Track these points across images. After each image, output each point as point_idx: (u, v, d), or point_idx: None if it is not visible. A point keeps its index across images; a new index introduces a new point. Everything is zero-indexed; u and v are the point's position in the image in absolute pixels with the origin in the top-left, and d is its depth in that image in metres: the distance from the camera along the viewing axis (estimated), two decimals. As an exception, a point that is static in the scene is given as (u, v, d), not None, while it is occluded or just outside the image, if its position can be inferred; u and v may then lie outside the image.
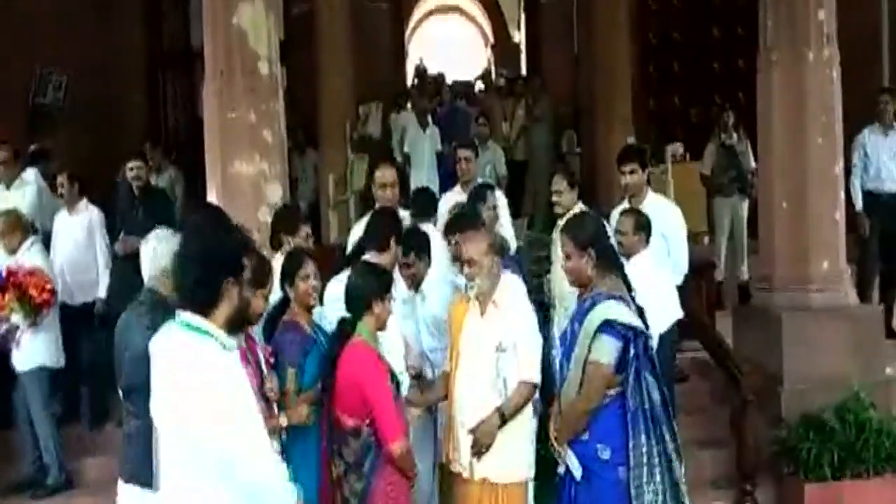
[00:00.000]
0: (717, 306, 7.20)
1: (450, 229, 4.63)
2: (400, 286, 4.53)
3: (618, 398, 3.53)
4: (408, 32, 18.47)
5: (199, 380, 2.48)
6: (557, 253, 5.22)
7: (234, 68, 5.14)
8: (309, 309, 3.89)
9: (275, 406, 3.58)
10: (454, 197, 6.12)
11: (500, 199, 6.01)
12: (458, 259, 4.69)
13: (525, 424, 3.93)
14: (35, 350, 5.60)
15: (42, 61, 8.96)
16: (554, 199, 5.36)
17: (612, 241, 4.10)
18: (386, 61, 13.08)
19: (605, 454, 3.54)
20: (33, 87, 8.91)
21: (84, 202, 6.33)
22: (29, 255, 5.70)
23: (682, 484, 3.60)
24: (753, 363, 5.51)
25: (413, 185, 8.36)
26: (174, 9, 11.05)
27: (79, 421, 6.19)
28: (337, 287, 4.00)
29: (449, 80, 12.97)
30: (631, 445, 3.49)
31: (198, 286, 2.56)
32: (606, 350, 3.48)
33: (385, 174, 5.11)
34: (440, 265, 4.69)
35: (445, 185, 7.61)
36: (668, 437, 3.55)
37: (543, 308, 5.07)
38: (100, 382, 6.10)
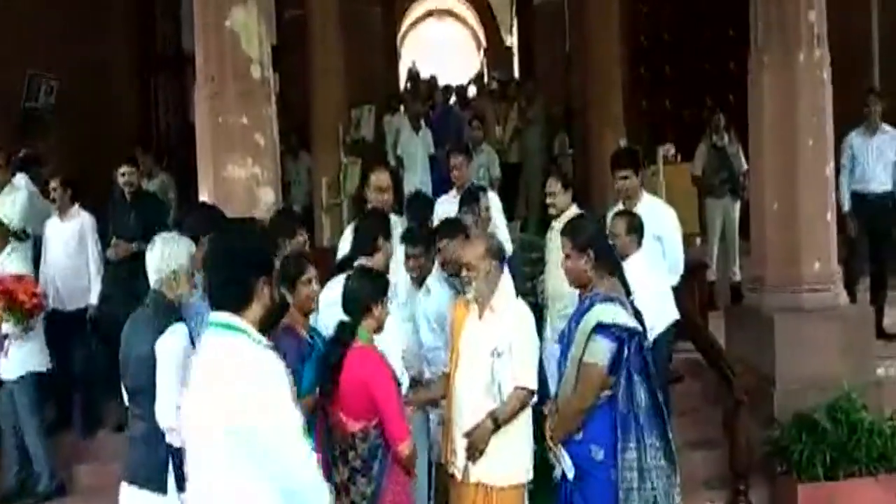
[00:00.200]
0: (710, 307, 7.21)
1: (438, 234, 4.70)
2: (399, 288, 4.56)
3: (612, 400, 3.57)
4: (400, 36, 18.50)
5: (247, 377, 2.49)
6: (552, 254, 5.26)
7: (225, 72, 5.14)
8: (307, 314, 3.90)
9: None
10: (449, 201, 6.13)
11: (494, 201, 6.03)
12: (446, 263, 4.75)
13: (521, 429, 3.94)
14: (22, 357, 5.59)
15: (33, 65, 8.93)
16: (548, 200, 5.38)
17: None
18: (378, 65, 13.12)
19: (599, 455, 3.57)
20: (24, 91, 8.87)
21: (76, 208, 6.28)
22: (9, 262, 5.69)
23: (676, 493, 3.62)
24: (746, 364, 5.53)
25: (406, 189, 8.42)
26: (166, 13, 11.07)
27: (71, 428, 6.17)
28: (330, 293, 4.00)
29: (442, 84, 13.00)
30: (619, 448, 3.52)
31: (230, 286, 2.58)
32: (601, 351, 3.52)
33: (380, 178, 5.13)
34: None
35: (439, 189, 7.62)
36: (657, 442, 3.57)
37: (536, 310, 5.08)
38: (92, 389, 6.13)
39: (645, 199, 5.41)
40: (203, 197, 5.15)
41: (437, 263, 4.72)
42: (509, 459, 3.89)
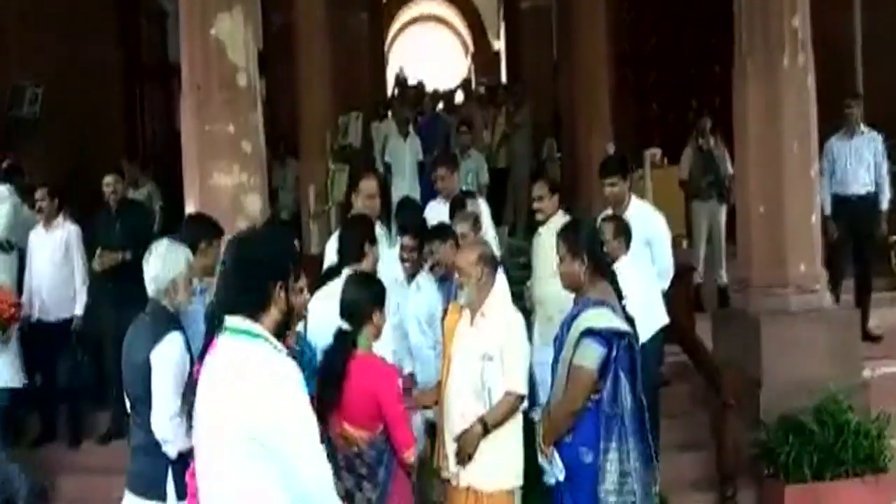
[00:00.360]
0: (696, 309, 7.24)
1: (427, 238, 4.73)
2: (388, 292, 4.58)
3: (599, 402, 3.61)
4: (388, 42, 18.53)
5: (268, 383, 2.48)
6: (538, 259, 5.29)
7: (211, 80, 5.14)
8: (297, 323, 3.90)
9: None
10: (437, 207, 6.15)
11: (483, 206, 6.06)
12: (436, 266, 4.78)
13: (511, 434, 3.96)
14: None
15: (17, 74, 8.90)
16: (535, 205, 5.39)
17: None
18: (366, 71, 13.12)
19: (588, 457, 3.61)
20: (8, 100, 8.84)
21: (61, 218, 6.24)
22: None
23: (654, 494, 3.67)
24: (732, 366, 5.56)
25: (395, 194, 8.42)
26: (152, 21, 11.05)
27: (56, 440, 6.11)
28: (318, 302, 3.99)
29: (429, 89, 13.01)
30: (602, 449, 3.57)
31: (247, 291, 2.56)
32: (590, 354, 3.57)
33: (370, 184, 5.13)
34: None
35: (427, 195, 7.62)
36: (639, 445, 3.60)
37: (525, 314, 5.10)
38: (78, 400, 6.09)
39: (634, 204, 5.43)
40: (189, 205, 5.13)
41: (426, 266, 4.76)
42: (499, 464, 3.90)
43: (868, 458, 5.20)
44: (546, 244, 5.17)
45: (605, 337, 3.57)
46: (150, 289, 3.60)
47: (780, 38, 5.80)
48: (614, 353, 3.57)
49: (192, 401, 3.28)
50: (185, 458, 3.45)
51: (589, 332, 3.58)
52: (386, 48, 17.77)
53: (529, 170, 10.29)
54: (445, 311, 4.36)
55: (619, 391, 3.58)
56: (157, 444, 3.47)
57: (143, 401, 3.49)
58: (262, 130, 5.35)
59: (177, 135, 5.50)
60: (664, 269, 5.38)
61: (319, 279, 4.37)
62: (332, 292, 3.92)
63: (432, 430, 4.34)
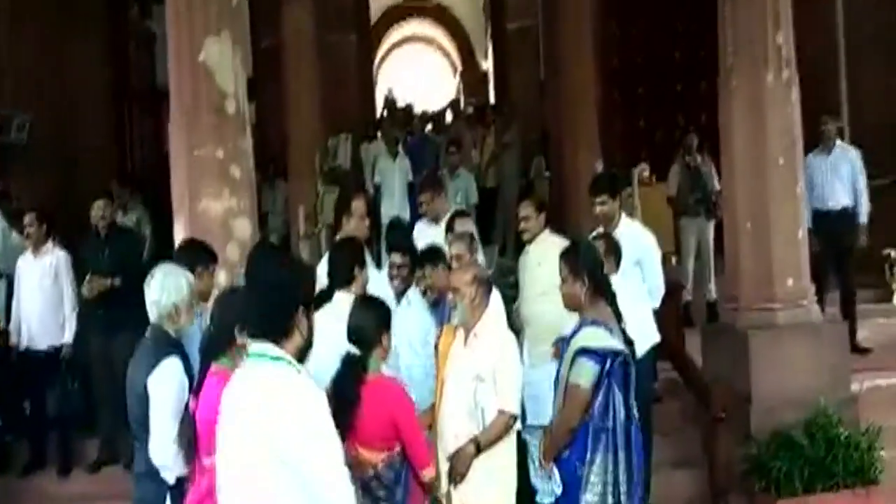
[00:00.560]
0: (686, 325, 7.26)
1: (420, 261, 4.76)
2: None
3: (592, 416, 3.71)
4: (376, 63, 18.61)
5: (297, 407, 2.51)
6: (525, 278, 5.30)
7: (200, 106, 5.12)
8: None
9: None
10: (425, 229, 6.18)
11: (471, 226, 6.08)
12: (428, 290, 4.79)
13: (504, 454, 3.98)
14: None
15: (5, 100, 8.89)
16: (521, 225, 5.40)
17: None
18: (355, 92, 13.17)
19: (581, 471, 3.70)
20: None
21: (50, 244, 6.19)
22: None
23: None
24: (723, 382, 5.58)
25: (384, 215, 8.44)
26: (140, 46, 11.08)
27: (45, 468, 6.06)
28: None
29: (418, 110, 13.06)
30: (588, 460, 3.66)
31: (271, 317, 2.60)
32: (585, 373, 3.67)
33: (360, 205, 5.14)
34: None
35: (417, 216, 7.64)
36: (629, 459, 3.68)
37: (515, 334, 5.12)
38: (67, 428, 6.06)
39: (624, 222, 5.43)
40: (178, 230, 5.13)
41: (415, 288, 4.77)
42: (492, 484, 3.91)
43: (858, 471, 5.21)
44: (533, 263, 5.21)
45: (600, 355, 3.66)
46: (152, 313, 3.61)
47: (764, 55, 5.86)
48: (608, 366, 3.67)
49: (190, 434, 3.30)
50: (183, 483, 3.46)
51: (584, 351, 3.69)
52: (375, 69, 17.85)
53: (519, 188, 10.33)
54: (439, 336, 4.39)
55: (611, 404, 3.67)
56: (158, 470, 3.49)
57: (144, 426, 3.50)
58: (251, 155, 5.35)
59: (166, 159, 5.51)
60: (655, 287, 5.40)
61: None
62: (325, 316, 3.91)
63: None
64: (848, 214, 7.28)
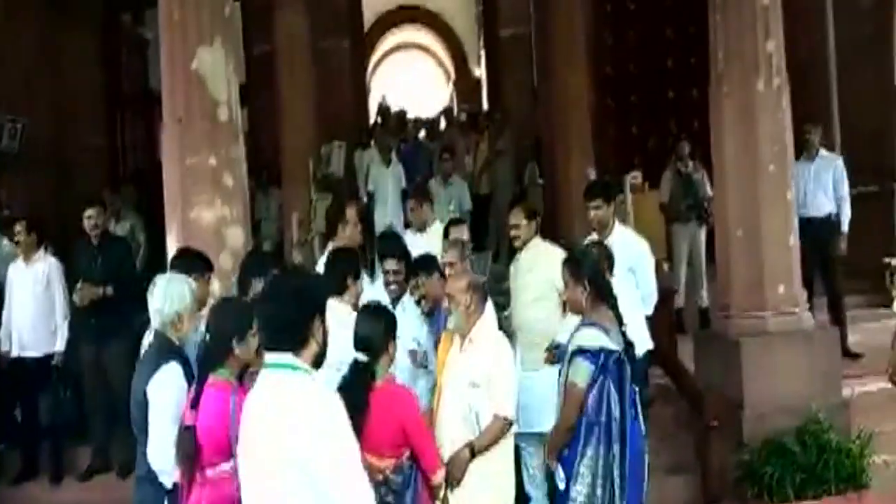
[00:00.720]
0: (678, 331, 7.29)
1: (415, 270, 4.81)
2: None
3: (586, 411, 3.84)
4: (370, 70, 18.62)
5: (318, 415, 2.53)
6: (516, 284, 5.32)
7: (193, 114, 5.12)
8: None
9: None
10: (413, 239, 6.20)
11: (465, 233, 6.10)
12: (422, 299, 4.80)
13: (501, 458, 4.01)
14: None
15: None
16: (512, 233, 5.41)
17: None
18: (348, 99, 13.13)
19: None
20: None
21: (41, 252, 6.16)
22: None
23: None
24: (715, 389, 5.60)
25: (378, 222, 8.44)
26: (132, 51, 11.07)
27: (37, 477, 6.03)
28: None
29: (411, 117, 13.08)
30: (579, 453, 3.76)
31: (288, 326, 2.62)
32: (581, 372, 3.79)
33: (354, 213, 5.16)
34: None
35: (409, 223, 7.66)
36: (619, 454, 3.75)
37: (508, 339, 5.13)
38: (60, 436, 6.04)
39: (617, 230, 5.47)
40: (171, 238, 5.12)
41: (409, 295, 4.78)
42: (487, 489, 3.95)
43: (850, 477, 5.25)
44: (524, 270, 5.23)
45: (595, 354, 3.78)
46: (155, 321, 3.64)
47: (754, 63, 5.90)
48: (601, 361, 3.78)
49: (189, 449, 3.29)
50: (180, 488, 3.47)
51: (580, 351, 3.81)
52: (368, 76, 17.85)
53: (512, 195, 10.34)
54: (437, 343, 4.40)
55: (605, 399, 3.76)
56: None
57: (146, 431, 3.52)
58: (244, 162, 5.35)
59: (158, 165, 5.50)
60: (648, 294, 5.43)
61: None
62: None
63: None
64: (831, 222, 7.36)
